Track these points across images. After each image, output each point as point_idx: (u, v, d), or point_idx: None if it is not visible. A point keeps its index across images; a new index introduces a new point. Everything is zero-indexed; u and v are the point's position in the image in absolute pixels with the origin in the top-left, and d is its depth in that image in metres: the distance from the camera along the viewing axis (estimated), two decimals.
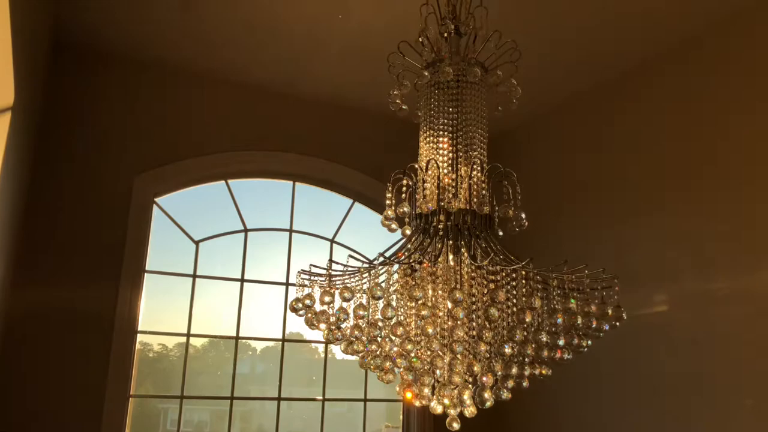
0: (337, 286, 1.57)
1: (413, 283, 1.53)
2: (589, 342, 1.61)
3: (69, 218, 3.01)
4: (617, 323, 1.62)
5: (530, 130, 3.87)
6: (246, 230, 3.55)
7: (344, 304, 1.54)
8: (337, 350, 3.76)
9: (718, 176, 2.67)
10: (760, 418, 2.38)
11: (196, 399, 3.31)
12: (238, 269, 3.49)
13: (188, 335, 3.28)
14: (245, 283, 3.48)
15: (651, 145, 3.01)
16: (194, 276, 3.36)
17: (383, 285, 1.48)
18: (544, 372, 1.60)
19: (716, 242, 2.64)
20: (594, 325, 1.52)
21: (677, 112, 2.91)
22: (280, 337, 3.53)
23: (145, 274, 3.18)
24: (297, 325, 3.68)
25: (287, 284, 3.58)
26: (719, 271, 2.62)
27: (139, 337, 3.17)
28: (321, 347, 3.71)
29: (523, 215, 1.69)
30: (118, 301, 3.01)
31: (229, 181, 3.55)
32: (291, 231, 3.68)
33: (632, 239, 3.03)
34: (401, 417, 3.75)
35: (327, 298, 1.54)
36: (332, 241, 3.75)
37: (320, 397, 3.55)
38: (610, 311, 1.50)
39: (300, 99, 3.66)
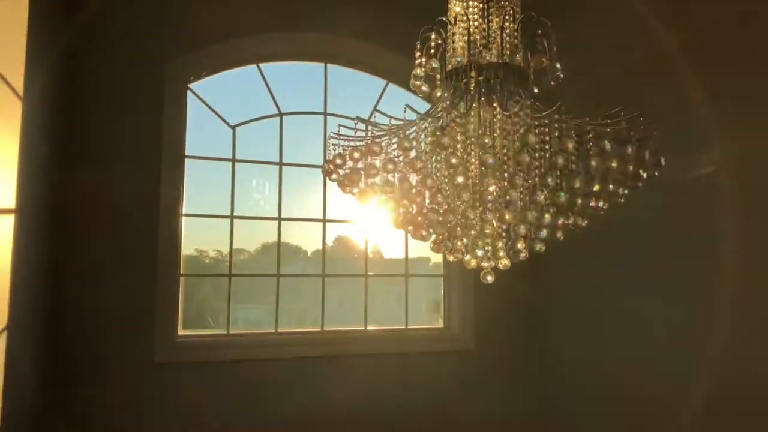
0: (367, 144, 1.56)
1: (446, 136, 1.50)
2: (626, 191, 1.58)
3: (107, 106, 3.05)
4: (656, 172, 1.58)
5: None
6: (281, 114, 3.54)
7: (374, 160, 1.54)
8: (386, 249, 3.82)
9: None
10: None
11: (244, 276, 3.45)
12: (275, 154, 3.52)
13: (231, 217, 3.37)
14: (284, 168, 3.52)
15: None
16: (233, 160, 3.40)
17: (411, 136, 1.47)
18: (578, 222, 1.59)
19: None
20: (631, 171, 1.48)
21: None
22: (321, 217, 3.59)
23: (186, 160, 3.24)
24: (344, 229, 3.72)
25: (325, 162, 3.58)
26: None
27: (195, 244, 3.29)
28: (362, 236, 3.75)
29: (558, 65, 1.62)
30: (161, 185, 3.10)
31: (261, 65, 3.51)
32: (325, 114, 3.66)
33: (685, 100, 2.89)
34: (442, 291, 3.85)
35: (356, 155, 1.54)
36: (367, 122, 3.70)
37: (362, 273, 3.66)
38: (647, 155, 1.45)
39: None
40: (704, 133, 2.79)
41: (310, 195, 3.68)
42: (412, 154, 1.46)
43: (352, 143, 1.69)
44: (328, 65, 3.67)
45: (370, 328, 3.60)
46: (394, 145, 1.51)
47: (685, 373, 2.84)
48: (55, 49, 2.67)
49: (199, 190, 3.39)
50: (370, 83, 3.76)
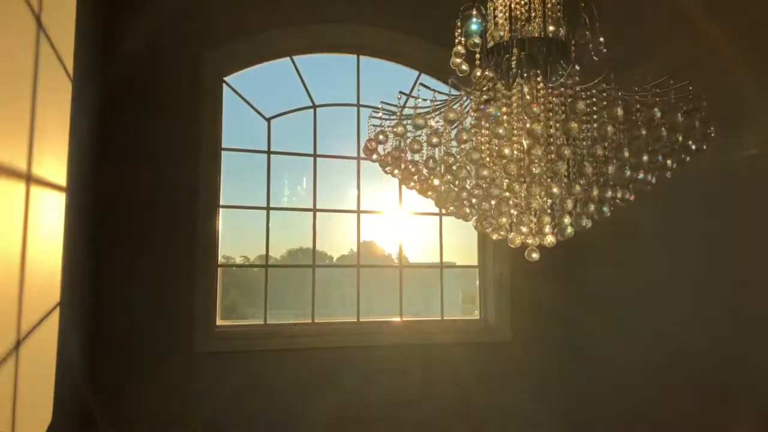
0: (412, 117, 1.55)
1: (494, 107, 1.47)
2: (675, 164, 1.55)
3: (146, 99, 3.10)
4: (704, 145, 1.55)
5: None
6: (315, 106, 3.56)
7: (417, 135, 1.53)
8: (412, 254, 3.81)
9: None
10: None
11: (280, 267, 3.48)
12: (310, 146, 3.54)
13: (268, 209, 3.40)
14: (318, 160, 3.54)
15: None
16: (269, 152, 3.43)
17: (457, 108, 1.46)
18: (626, 197, 1.57)
19: None
20: (680, 142, 1.46)
21: None
22: (355, 208, 3.60)
23: (222, 152, 3.28)
24: (369, 233, 3.72)
25: (358, 158, 3.60)
26: None
27: (222, 251, 3.30)
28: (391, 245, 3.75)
29: (602, 39, 1.60)
30: (199, 176, 3.14)
31: (295, 58, 3.53)
32: (358, 105, 3.66)
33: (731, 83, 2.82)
34: (477, 282, 3.83)
35: (399, 129, 1.54)
36: (400, 115, 3.70)
37: (397, 264, 3.66)
38: (697, 124, 1.43)
39: None
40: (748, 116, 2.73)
41: (345, 188, 3.70)
42: (457, 126, 1.46)
43: (392, 123, 1.69)
44: (361, 57, 3.67)
45: (406, 318, 3.59)
46: (438, 119, 1.51)
47: (697, 364, 2.77)
48: (98, 36, 2.72)
49: (236, 181, 3.41)
50: (402, 73, 3.76)
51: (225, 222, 3.29)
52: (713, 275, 2.87)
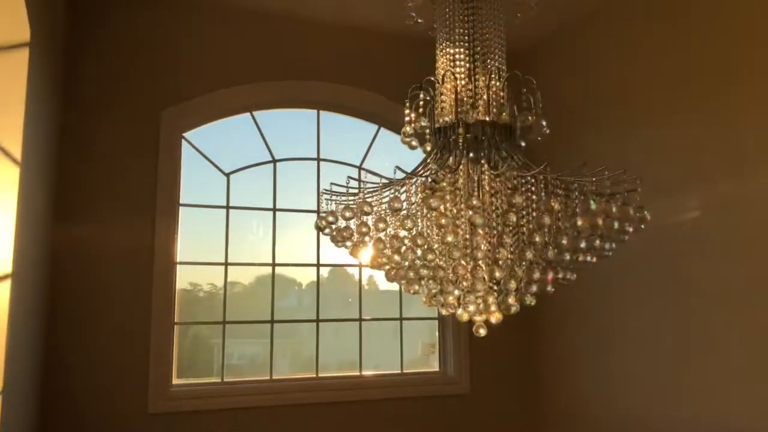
0: (358, 203, 1.59)
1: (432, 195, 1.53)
2: (613, 245, 1.61)
3: (102, 155, 3.08)
4: (642, 225, 1.61)
5: (555, 43, 3.74)
6: (274, 161, 3.59)
7: (365, 219, 1.57)
8: (380, 280, 3.84)
9: (751, 76, 2.56)
10: None
11: (239, 323, 3.44)
12: (270, 200, 3.55)
13: (226, 264, 3.39)
14: (277, 213, 3.55)
15: (681, 50, 2.89)
16: (227, 207, 3.43)
17: (402, 197, 1.50)
18: (568, 276, 1.62)
19: (749, 143, 2.56)
20: (616, 227, 1.52)
21: (707, 15, 2.77)
22: (315, 262, 3.61)
23: (180, 208, 3.27)
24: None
25: (318, 212, 3.61)
26: (752, 172, 2.55)
27: (190, 277, 3.31)
28: (357, 272, 3.78)
29: (544, 122, 1.66)
30: (155, 234, 3.12)
31: (255, 113, 3.56)
32: (318, 159, 3.70)
33: (662, 145, 2.96)
34: (437, 334, 3.85)
35: (348, 214, 1.57)
36: (360, 168, 3.76)
37: (356, 318, 3.66)
38: (631, 211, 1.49)
39: (319, 25, 3.59)
40: (686, 179, 2.85)
41: (305, 237, 3.70)
42: (403, 213, 1.49)
43: (343, 199, 1.73)
44: (321, 111, 3.73)
45: (366, 373, 3.58)
46: (385, 204, 1.54)
47: (674, 418, 2.83)
48: (52, 105, 2.72)
49: (194, 235, 3.41)
50: (362, 128, 3.82)
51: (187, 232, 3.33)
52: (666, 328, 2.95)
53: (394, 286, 3.82)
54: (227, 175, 3.46)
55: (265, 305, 3.51)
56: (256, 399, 3.24)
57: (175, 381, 3.17)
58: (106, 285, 3.02)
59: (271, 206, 3.54)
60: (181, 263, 3.25)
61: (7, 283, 1.81)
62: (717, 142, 2.70)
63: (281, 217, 3.57)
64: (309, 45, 3.59)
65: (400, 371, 3.68)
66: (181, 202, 3.28)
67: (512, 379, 3.80)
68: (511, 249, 1.50)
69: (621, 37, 3.29)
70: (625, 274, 3.16)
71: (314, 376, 3.47)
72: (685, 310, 2.84)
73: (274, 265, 3.50)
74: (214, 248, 3.42)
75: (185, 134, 3.37)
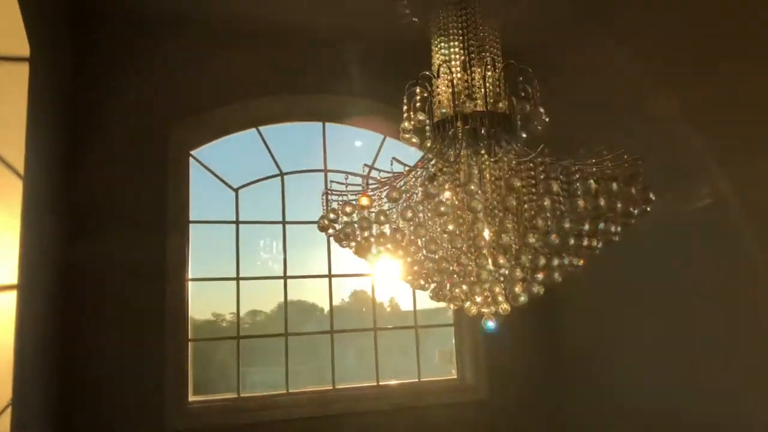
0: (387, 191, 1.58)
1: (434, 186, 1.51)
2: (619, 228, 1.58)
3: (110, 175, 3.11)
4: (647, 207, 1.59)
5: (566, 39, 3.72)
6: (282, 174, 3.60)
7: (366, 214, 1.56)
8: (402, 300, 3.82)
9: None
10: None
11: (253, 338, 3.43)
12: (279, 214, 3.56)
13: (237, 279, 3.39)
14: (288, 227, 3.55)
15: (692, 37, 2.88)
16: (237, 222, 3.45)
17: (401, 188, 1.49)
18: (574, 262, 1.59)
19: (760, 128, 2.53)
20: (620, 208, 1.50)
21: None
22: (326, 273, 3.60)
23: (190, 225, 3.29)
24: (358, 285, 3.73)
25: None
26: (765, 156, 2.52)
27: (212, 308, 3.36)
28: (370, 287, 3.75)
29: (542, 110, 1.65)
30: (167, 251, 3.13)
31: (261, 128, 3.59)
32: (326, 171, 3.71)
33: (678, 133, 2.93)
34: (453, 341, 3.81)
35: (348, 210, 1.56)
36: (368, 177, 3.75)
37: (371, 327, 3.63)
38: (634, 191, 1.47)
39: (322, 38, 3.62)
40: (700, 165, 2.81)
41: (317, 251, 3.70)
42: (403, 204, 1.49)
43: (345, 198, 1.72)
44: (326, 123, 3.75)
45: (383, 383, 3.55)
46: (385, 198, 1.54)
47: (702, 411, 2.77)
48: (56, 121, 2.76)
49: (206, 252, 3.43)
50: (368, 137, 3.83)
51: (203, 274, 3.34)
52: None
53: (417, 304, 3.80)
54: (236, 190, 3.48)
55: (290, 330, 3.51)
56: (274, 413, 3.22)
57: (192, 398, 3.17)
58: (118, 303, 3.03)
59: (281, 219, 3.54)
60: (193, 280, 3.26)
61: (13, 295, 1.83)
62: (727, 127, 2.67)
63: (292, 231, 3.57)
64: (311, 58, 3.62)
65: (417, 379, 3.64)
66: (190, 218, 3.30)
67: (532, 384, 3.74)
68: (514, 235, 1.48)
69: (630, 28, 3.27)
70: (642, 270, 3.11)
71: (331, 388, 3.44)
72: (705, 302, 2.78)
73: (285, 278, 3.50)
74: (228, 266, 3.42)
75: (193, 152, 3.40)
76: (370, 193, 1.56)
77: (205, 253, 3.41)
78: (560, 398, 3.69)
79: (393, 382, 3.59)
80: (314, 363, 3.62)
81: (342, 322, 3.61)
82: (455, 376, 3.74)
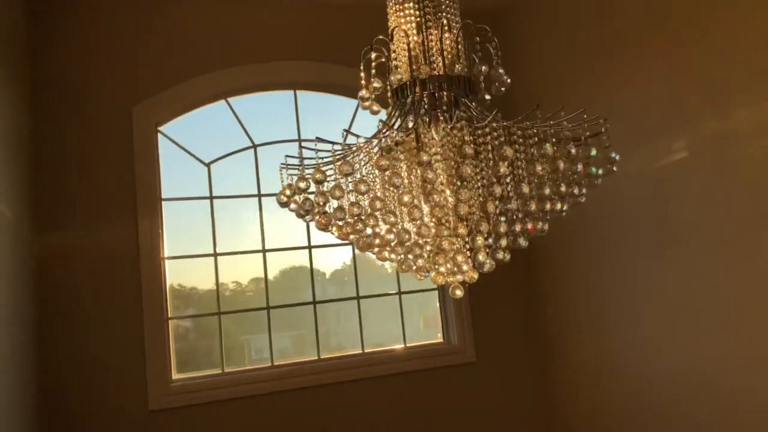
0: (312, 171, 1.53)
1: (385, 158, 1.47)
2: (584, 190, 1.54)
3: (76, 158, 3.04)
4: (613, 167, 1.55)
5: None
6: (255, 146, 3.53)
7: (322, 188, 1.51)
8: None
9: (729, 9, 2.47)
10: None
11: (228, 314, 3.40)
12: (254, 187, 3.50)
13: (215, 254, 3.35)
14: (263, 198, 3.50)
15: None
16: (211, 198, 3.39)
17: (351, 160, 1.45)
18: (537, 227, 1.56)
19: (731, 77, 2.47)
20: (581, 171, 1.45)
21: None
22: (306, 244, 3.57)
23: (163, 202, 3.23)
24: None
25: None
26: (737, 106, 2.47)
27: (212, 279, 3.32)
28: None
29: (502, 71, 1.60)
30: (139, 231, 3.08)
31: (231, 99, 3.50)
32: (300, 140, 3.65)
33: (647, 88, 2.88)
34: (438, 305, 3.81)
35: (302, 185, 1.51)
36: (343, 145, 3.68)
37: (354, 296, 3.62)
38: (593, 151, 1.42)
39: (286, 3, 3.51)
40: (671, 120, 2.77)
41: (296, 222, 3.65)
42: (356, 177, 1.44)
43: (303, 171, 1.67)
44: (298, 92, 3.66)
45: (368, 350, 3.55)
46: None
47: (681, 369, 2.78)
48: (17, 109, 2.68)
49: (184, 229, 3.38)
50: (341, 103, 3.75)
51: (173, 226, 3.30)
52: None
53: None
54: (207, 165, 3.41)
55: (293, 297, 3.54)
56: (259, 387, 3.22)
57: (176, 376, 3.16)
58: (95, 287, 3.00)
59: (256, 192, 3.49)
60: (169, 258, 3.22)
61: None
62: (701, 79, 2.61)
63: (269, 204, 3.52)
64: (277, 24, 3.52)
65: (403, 345, 3.64)
66: (162, 196, 3.24)
67: (518, 343, 3.76)
68: (473, 204, 1.44)
69: None
70: (619, 225, 3.10)
71: (316, 358, 3.44)
72: (680, 257, 2.77)
73: (264, 251, 3.46)
74: (211, 240, 3.37)
75: (161, 128, 3.32)
76: (324, 168, 1.51)
77: (183, 229, 3.36)
78: (549, 355, 3.71)
79: (378, 348, 3.59)
80: (315, 331, 3.59)
81: (343, 286, 3.64)
82: (441, 340, 3.75)
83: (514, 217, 1.50)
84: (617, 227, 3.12)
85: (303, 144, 1.65)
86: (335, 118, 3.81)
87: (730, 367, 2.56)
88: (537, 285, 3.77)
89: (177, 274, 3.32)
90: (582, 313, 3.45)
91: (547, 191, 1.41)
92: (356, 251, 3.69)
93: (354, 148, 1.52)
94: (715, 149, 2.56)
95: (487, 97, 1.67)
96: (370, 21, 3.56)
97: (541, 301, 3.76)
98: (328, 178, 1.51)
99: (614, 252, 3.17)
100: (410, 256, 1.60)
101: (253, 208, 3.50)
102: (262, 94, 3.63)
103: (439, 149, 1.50)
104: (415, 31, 1.67)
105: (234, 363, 3.38)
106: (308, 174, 1.55)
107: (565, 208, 1.55)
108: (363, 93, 1.71)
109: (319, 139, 1.55)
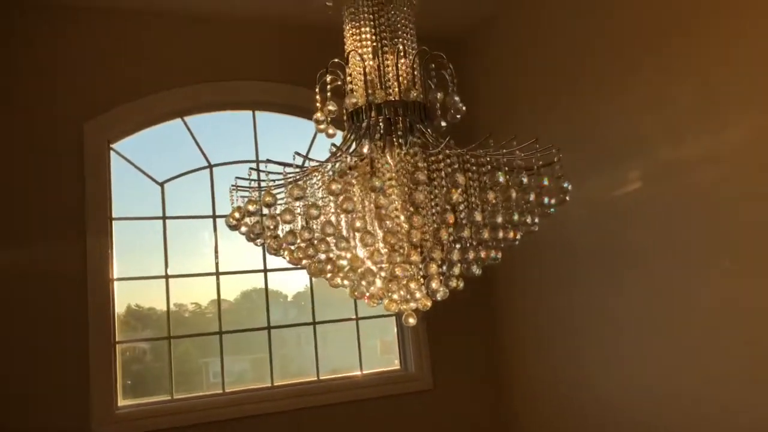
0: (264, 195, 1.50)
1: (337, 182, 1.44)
2: (536, 219, 1.54)
3: (23, 174, 2.94)
4: (566, 197, 1.55)
5: (490, 28, 3.69)
6: (210, 166, 3.46)
7: (271, 211, 1.48)
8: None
9: (686, 38, 2.54)
10: (738, 275, 2.35)
11: (184, 338, 3.30)
12: (209, 208, 3.42)
13: (167, 276, 3.25)
14: (218, 220, 3.43)
15: (614, 17, 2.87)
16: (164, 218, 3.30)
17: (303, 184, 1.42)
18: (491, 255, 1.54)
19: (686, 107, 2.54)
20: (533, 200, 1.45)
21: None
22: (262, 268, 3.50)
23: (113, 222, 3.13)
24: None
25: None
26: (689, 137, 2.53)
27: (175, 298, 3.25)
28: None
29: (457, 98, 1.59)
30: (87, 251, 2.97)
31: (187, 118, 3.44)
32: (257, 161, 3.59)
33: (604, 115, 2.93)
34: (395, 330, 3.77)
35: (251, 208, 1.48)
36: (302, 168, 3.64)
37: (310, 321, 3.55)
38: (546, 181, 1.42)
39: (247, 22, 3.49)
40: (627, 149, 2.82)
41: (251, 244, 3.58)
42: (310, 200, 1.41)
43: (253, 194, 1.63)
44: (257, 112, 3.62)
45: (324, 377, 3.48)
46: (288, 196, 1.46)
47: (652, 394, 2.80)
48: None
49: (137, 250, 3.28)
50: (301, 126, 3.71)
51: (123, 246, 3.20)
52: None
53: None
54: (161, 184, 3.33)
55: (252, 320, 3.46)
56: (209, 414, 3.11)
57: (122, 402, 3.03)
58: (40, 308, 2.87)
59: (211, 213, 3.41)
60: (118, 279, 3.11)
61: None
62: (656, 108, 2.67)
63: (223, 225, 3.44)
64: (237, 44, 3.49)
65: (359, 372, 3.58)
66: (113, 215, 3.14)
67: (475, 370, 3.74)
68: (426, 230, 1.43)
69: (554, 15, 3.26)
70: (578, 251, 3.13)
71: (269, 385, 3.35)
72: (636, 283, 2.81)
73: (218, 274, 3.38)
74: (153, 258, 3.28)
75: (113, 145, 3.23)
76: (275, 191, 1.48)
77: (136, 250, 3.26)
78: (506, 382, 3.70)
79: (333, 375, 3.53)
80: (269, 358, 3.51)
81: (304, 309, 3.58)
82: (398, 367, 3.70)
83: (468, 244, 1.49)
84: (575, 254, 3.15)
85: (253, 166, 1.61)
86: (295, 139, 3.76)
87: (683, 383, 2.59)
88: (495, 312, 3.77)
89: (133, 295, 3.22)
90: (540, 339, 3.46)
91: (499, 219, 1.41)
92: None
93: (306, 172, 1.49)
94: (669, 177, 2.61)
95: (443, 123, 1.66)
96: (333, 42, 3.56)
97: (498, 327, 3.76)
98: (279, 202, 1.47)
99: (573, 278, 3.20)
100: (363, 283, 1.57)
101: (210, 229, 3.42)
102: (220, 113, 3.58)
103: (393, 174, 1.47)
104: (371, 56, 1.67)
105: (193, 386, 3.28)
106: (258, 197, 1.51)
107: (518, 237, 1.55)
108: (317, 116, 1.68)
109: (269, 161, 1.51)
